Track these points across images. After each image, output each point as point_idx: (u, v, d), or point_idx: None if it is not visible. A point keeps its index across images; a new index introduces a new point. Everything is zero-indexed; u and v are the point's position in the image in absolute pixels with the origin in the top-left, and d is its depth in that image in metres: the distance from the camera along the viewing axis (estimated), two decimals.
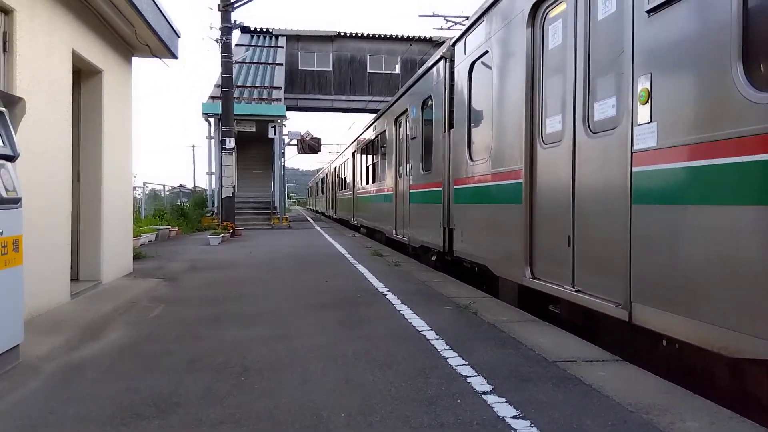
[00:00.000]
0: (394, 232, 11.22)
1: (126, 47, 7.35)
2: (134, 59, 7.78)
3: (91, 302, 5.45)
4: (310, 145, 27.56)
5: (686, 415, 2.51)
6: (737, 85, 2.66)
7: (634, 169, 3.38)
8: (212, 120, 19.31)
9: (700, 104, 2.92)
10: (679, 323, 3.04)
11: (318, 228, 19.67)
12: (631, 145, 3.41)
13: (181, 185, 26.00)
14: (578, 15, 4.15)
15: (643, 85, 3.31)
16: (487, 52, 5.93)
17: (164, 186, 19.99)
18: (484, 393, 2.79)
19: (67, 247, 5.50)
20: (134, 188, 15.24)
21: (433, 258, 8.44)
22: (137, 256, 8.90)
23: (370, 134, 15.01)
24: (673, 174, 3.09)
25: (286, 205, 31.68)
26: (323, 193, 37.52)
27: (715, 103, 2.82)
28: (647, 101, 3.27)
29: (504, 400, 2.69)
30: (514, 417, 2.49)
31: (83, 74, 6.45)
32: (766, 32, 2.68)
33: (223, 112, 15.60)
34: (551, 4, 4.58)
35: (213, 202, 19.77)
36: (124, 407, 2.68)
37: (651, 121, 3.24)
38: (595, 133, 3.96)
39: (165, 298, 5.64)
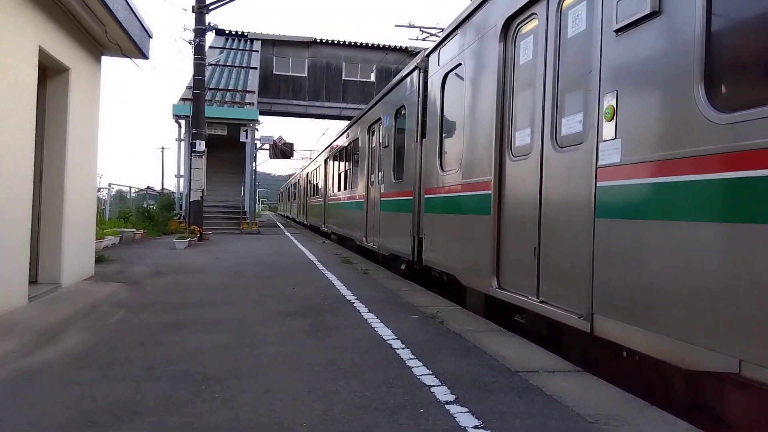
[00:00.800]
0: (364, 239, 11.21)
1: (95, 46, 7.19)
2: (104, 58, 7.63)
3: (49, 306, 5.29)
4: (282, 150, 27.41)
5: (644, 426, 2.56)
6: (699, 106, 2.74)
7: (599, 183, 3.46)
8: (182, 122, 19.04)
9: (663, 123, 3.00)
10: (639, 335, 3.11)
11: (288, 234, 19.51)
12: (596, 161, 3.48)
13: (148, 187, 25.54)
14: (549, 32, 4.24)
15: (609, 102, 3.39)
16: (460, 64, 6.01)
17: (130, 188, 19.57)
18: (447, 403, 2.80)
19: (26, 248, 5.33)
20: (99, 189, 14.89)
21: (403, 267, 8.46)
22: (100, 259, 8.68)
23: (343, 141, 15.01)
24: (636, 190, 3.17)
25: (257, 210, 31.37)
26: (295, 199, 37.28)
27: (677, 122, 2.90)
28: (613, 118, 3.35)
29: (466, 410, 2.70)
30: (476, 427, 2.50)
31: (50, 72, 6.29)
32: (727, 56, 2.78)
33: (194, 114, 15.39)
34: (523, 21, 4.67)
35: (181, 206, 19.42)
36: (78, 415, 2.60)
37: (616, 137, 3.32)
38: (562, 147, 4.03)
39: (126, 303, 5.50)
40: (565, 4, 4.06)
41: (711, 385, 2.94)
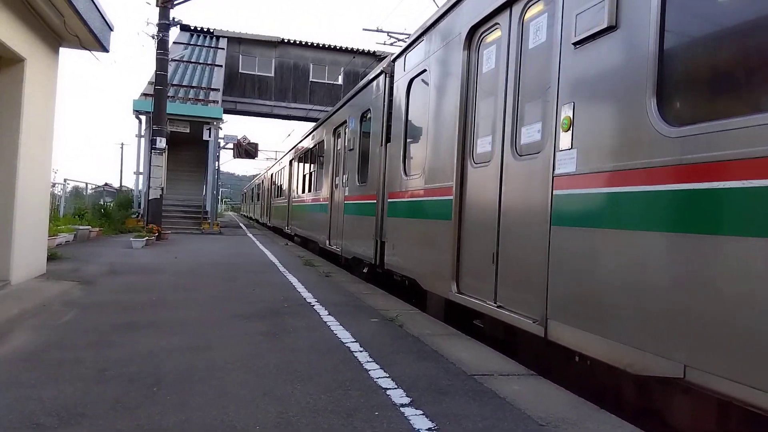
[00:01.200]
0: (327, 242, 11.17)
1: (53, 37, 6.96)
2: (63, 50, 7.39)
3: None
4: (246, 150, 27.07)
5: (592, 429, 2.64)
6: (650, 119, 2.85)
7: (555, 192, 3.55)
8: (143, 118, 18.59)
9: (617, 135, 3.10)
10: (590, 341, 3.19)
11: (250, 235, 19.26)
12: (553, 170, 3.57)
13: (106, 184, 24.81)
14: (511, 42, 4.33)
15: (566, 113, 3.49)
16: (425, 70, 6.07)
17: (87, 184, 18.97)
18: (403, 405, 2.82)
19: None
20: (54, 185, 14.41)
21: (365, 270, 8.46)
22: (52, 257, 8.38)
23: (308, 143, 14.93)
24: (589, 199, 3.27)
25: (219, 211, 30.87)
26: (258, 200, 36.84)
27: (630, 134, 3.01)
28: (569, 129, 3.45)
29: (421, 412, 2.73)
30: (429, 429, 2.53)
31: (3, 61, 6.06)
32: (679, 72, 2.89)
33: (155, 110, 15.06)
34: (487, 30, 4.75)
35: (140, 204, 18.95)
36: (23, 417, 2.51)
37: (572, 147, 3.42)
38: (521, 156, 4.12)
39: (78, 303, 5.33)
40: (527, 16, 4.15)
41: (658, 389, 3.05)
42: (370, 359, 3.68)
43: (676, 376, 2.62)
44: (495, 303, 4.31)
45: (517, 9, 4.26)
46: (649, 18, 2.89)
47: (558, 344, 3.51)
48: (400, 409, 2.78)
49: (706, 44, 2.79)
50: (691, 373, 2.55)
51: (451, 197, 5.10)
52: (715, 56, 2.75)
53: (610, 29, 3.15)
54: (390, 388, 3.08)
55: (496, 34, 4.61)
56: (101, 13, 7.15)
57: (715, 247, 2.46)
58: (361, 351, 3.88)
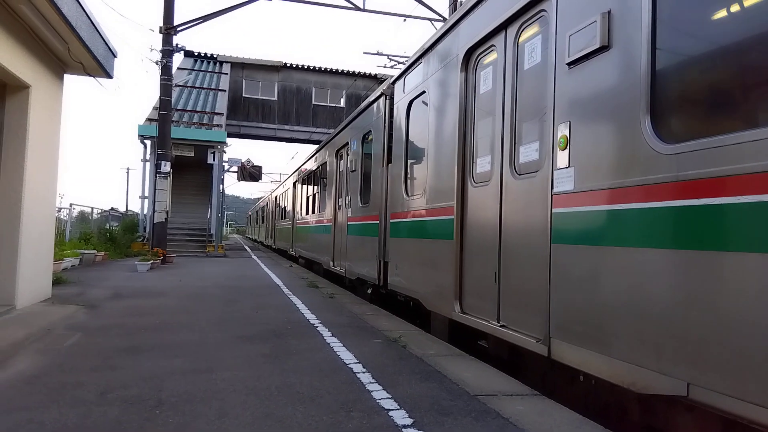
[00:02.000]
0: (331, 263, 11.17)
1: (58, 64, 7.10)
2: (67, 77, 7.53)
3: (2, 328, 5.10)
4: (250, 173, 27.24)
5: None
6: (645, 137, 2.87)
7: (554, 210, 3.57)
8: (148, 142, 18.79)
9: (613, 152, 3.13)
10: (594, 359, 3.18)
11: (255, 257, 19.28)
12: (552, 188, 3.60)
13: (112, 208, 24.94)
14: (507, 63, 4.39)
15: (562, 132, 3.53)
16: (424, 92, 6.14)
17: (92, 208, 19.09)
18: (405, 427, 2.80)
19: None
20: (60, 210, 14.52)
21: (369, 291, 8.45)
22: (58, 281, 8.43)
23: (311, 165, 15.03)
24: (588, 216, 3.28)
25: (224, 233, 30.96)
26: (263, 222, 36.94)
27: (625, 151, 3.03)
28: (566, 147, 3.48)
29: None
30: None
31: (9, 89, 6.18)
32: (672, 89, 2.93)
33: (160, 134, 15.22)
34: (483, 52, 4.83)
35: (145, 228, 19.05)
36: None
37: (569, 165, 3.45)
38: (520, 174, 4.15)
39: (82, 326, 5.35)
40: (522, 38, 4.22)
41: (661, 408, 3.03)
42: (373, 380, 3.66)
43: (680, 395, 2.61)
44: (498, 322, 4.30)
45: (511, 31, 4.33)
46: (641, 37, 2.94)
47: (562, 363, 3.49)
48: (402, 430, 2.76)
49: (697, 61, 2.83)
50: (695, 391, 2.53)
51: (452, 217, 5.12)
52: (707, 73, 2.78)
53: (602, 49, 3.20)
54: (392, 409, 3.07)
55: (492, 56, 4.68)
56: (105, 40, 7.30)
57: (715, 263, 2.46)
58: (363, 372, 3.87)
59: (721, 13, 2.71)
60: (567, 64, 3.50)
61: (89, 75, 7.76)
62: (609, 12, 3.18)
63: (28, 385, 3.39)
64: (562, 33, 3.57)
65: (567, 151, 3.46)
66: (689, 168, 2.59)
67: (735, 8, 2.62)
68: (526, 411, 3.13)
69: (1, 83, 5.67)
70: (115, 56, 7.89)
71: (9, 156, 6.15)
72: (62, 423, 2.73)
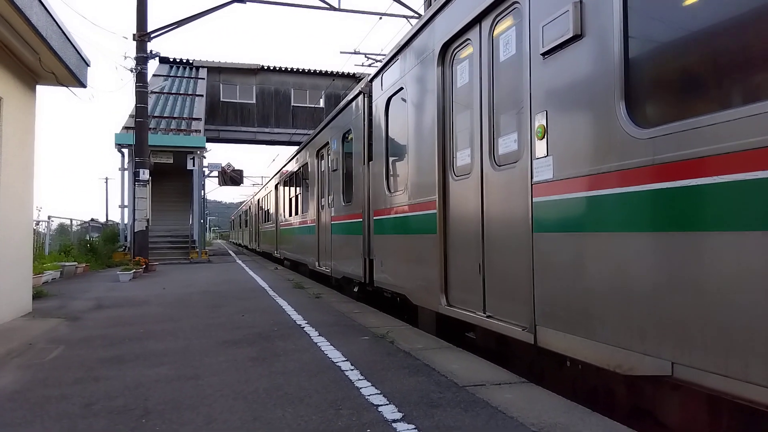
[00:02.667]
0: (317, 264, 11.14)
1: (29, 75, 6.97)
2: (40, 87, 7.39)
3: None
4: (232, 177, 27.01)
5: None
6: (620, 122, 2.90)
7: (534, 199, 3.59)
8: (126, 151, 18.54)
9: (590, 139, 3.16)
10: (579, 344, 3.21)
11: (240, 261, 19.14)
12: (531, 178, 3.62)
13: (92, 219, 24.52)
14: (483, 56, 4.41)
15: (539, 122, 3.55)
16: (402, 88, 6.14)
17: (72, 220, 18.77)
18: (394, 421, 2.80)
19: None
20: (38, 222, 14.25)
21: (356, 289, 8.44)
22: (38, 295, 8.28)
23: (293, 166, 14.96)
24: (568, 204, 3.31)
25: (208, 239, 30.69)
26: (246, 226, 36.69)
27: (602, 138, 3.06)
28: (544, 137, 3.50)
29: (413, 427, 2.71)
30: None
31: None
32: (645, 75, 2.96)
33: (137, 142, 15.03)
34: (459, 46, 4.84)
35: (126, 237, 18.80)
36: None
37: (547, 155, 3.47)
38: (500, 166, 4.17)
39: (65, 339, 5.26)
40: (496, 31, 4.24)
41: (647, 388, 3.06)
42: (361, 377, 3.65)
43: (665, 374, 2.64)
44: (484, 313, 4.32)
45: (486, 25, 4.35)
46: (613, 25, 2.96)
47: (548, 350, 3.52)
48: (392, 424, 2.76)
49: (669, 47, 2.86)
50: (679, 370, 2.56)
51: (434, 211, 5.13)
52: (679, 58, 2.82)
53: (575, 38, 3.23)
54: (381, 405, 3.07)
55: (468, 50, 4.69)
56: (77, 49, 7.18)
57: (694, 243, 2.49)
58: (352, 369, 3.86)
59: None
60: (541, 54, 3.52)
61: (62, 85, 7.63)
62: (581, 1, 3.20)
63: (10, 401, 3.32)
64: (536, 24, 3.59)
65: (545, 140, 3.49)
66: (665, 151, 2.62)
67: None
68: (515, 399, 3.15)
69: None
70: (88, 65, 7.76)
71: None
72: None
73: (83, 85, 7.79)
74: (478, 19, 4.43)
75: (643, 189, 2.77)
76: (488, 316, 4.26)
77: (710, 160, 2.41)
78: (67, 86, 7.77)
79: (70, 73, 7.09)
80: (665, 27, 2.91)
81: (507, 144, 4.09)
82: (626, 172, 2.87)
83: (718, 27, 2.56)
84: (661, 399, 3.00)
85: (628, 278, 2.85)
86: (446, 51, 5.05)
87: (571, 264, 3.27)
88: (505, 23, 4.14)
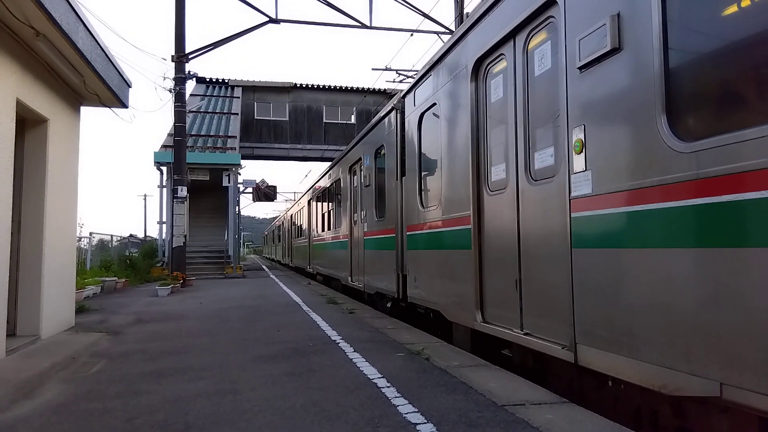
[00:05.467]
0: (349, 279, 11.17)
1: (74, 96, 7.26)
2: (83, 108, 7.68)
3: (28, 359, 5.16)
4: (265, 193, 27.42)
5: None
6: (662, 136, 2.85)
7: (573, 214, 3.53)
8: (164, 168, 19.07)
9: (630, 153, 3.10)
10: (622, 363, 3.12)
11: (273, 276, 19.35)
12: (569, 192, 3.57)
13: (131, 235, 25.22)
14: (517, 71, 4.39)
15: (577, 136, 3.50)
16: (435, 104, 6.16)
17: (112, 236, 19.34)
18: None
19: (3, 300, 5.23)
20: (80, 238, 14.73)
21: (389, 304, 8.42)
22: (81, 310, 8.53)
23: (325, 182, 15.11)
24: (608, 219, 3.24)
25: (242, 254, 31.14)
26: (279, 241, 37.13)
27: (642, 152, 3.00)
28: (582, 151, 3.46)
29: None
30: None
31: (28, 123, 6.32)
32: (687, 87, 2.90)
33: (176, 160, 15.44)
34: (492, 61, 4.84)
35: (164, 252, 19.25)
36: None
37: (586, 169, 3.42)
38: (536, 181, 4.12)
39: (107, 353, 5.39)
40: (531, 45, 4.22)
41: (693, 409, 2.96)
42: (398, 394, 3.63)
43: (713, 395, 2.54)
44: (522, 330, 4.25)
45: (520, 39, 4.34)
46: (652, 37, 2.92)
47: (589, 369, 3.43)
48: None
49: (710, 58, 2.80)
50: (728, 391, 2.47)
51: (469, 226, 5.10)
52: (721, 69, 2.75)
53: (614, 51, 3.19)
54: (419, 423, 3.03)
55: (502, 65, 4.68)
56: (119, 71, 7.45)
57: (742, 260, 2.41)
58: (388, 386, 3.84)
59: (731, 9, 2.69)
60: (578, 68, 3.49)
61: (105, 106, 7.92)
62: (618, 14, 3.17)
63: (56, 414, 3.42)
64: (572, 38, 3.56)
65: (583, 154, 3.44)
66: (709, 165, 2.56)
67: (745, 2, 2.60)
68: (556, 419, 3.08)
69: (20, 118, 5.79)
70: (129, 86, 8.04)
71: (30, 189, 6.27)
72: None
73: (125, 106, 8.06)
74: (512, 34, 4.43)
75: (687, 204, 2.70)
76: (526, 334, 4.19)
77: (757, 174, 2.34)
78: (109, 107, 8.06)
79: (112, 94, 7.36)
80: (705, 38, 2.85)
81: (543, 159, 4.05)
82: (669, 187, 2.81)
83: (759, 36, 2.49)
84: (708, 421, 2.88)
85: (673, 296, 2.77)
86: (479, 66, 5.05)
87: (613, 281, 3.20)
88: (540, 37, 4.12)
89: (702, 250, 2.61)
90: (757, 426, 2.60)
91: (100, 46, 6.61)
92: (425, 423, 3.03)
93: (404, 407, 3.34)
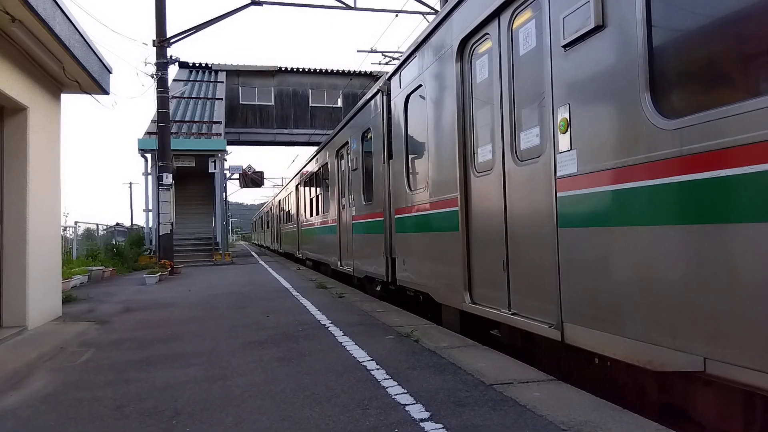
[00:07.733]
0: (338, 263, 11.18)
1: (54, 83, 7.11)
2: (64, 95, 7.54)
3: (15, 349, 5.12)
4: (252, 179, 27.28)
5: (615, 430, 2.59)
6: (646, 113, 2.85)
7: (558, 194, 3.54)
8: (149, 156, 18.83)
9: (614, 132, 3.10)
10: (608, 341, 3.16)
11: (262, 262, 19.31)
12: (555, 172, 3.57)
13: (117, 224, 25.02)
14: (502, 51, 4.36)
15: (562, 115, 3.50)
16: (420, 85, 6.12)
17: (98, 225, 19.15)
18: (422, 420, 2.79)
19: None
20: (65, 228, 14.56)
21: (378, 288, 8.44)
22: (67, 299, 8.46)
23: (312, 167, 15.03)
24: (593, 198, 3.25)
25: (230, 241, 31.04)
26: (268, 227, 37.00)
27: (627, 130, 3.00)
28: (567, 130, 3.45)
29: (441, 426, 2.70)
30: None
31: (6, 111, 6.20)
32: (670, 64, 2.90)
33: (160, 147, 15.24)
34: (477, 41, 4.80)
35: (151, 240, 19.11)
36: None
37: (571, 148, 3.42)
38: (522, 161, 4.12)
39: (95, 342, 5.36)
40: (515, 24, 4.19)
41: (678, 385, 3.00)
42: (387, 376, 3.65)
43: (697, 370, 2.58)
44: (509, 310, 4.28)
45: (504, 18, 4.30)
46: (636, 14, 2.91)
47: (576, 347, 3.47)
48: (420, 424, 2.75)
49: (694, 35, 2.80)
50: (712, 366, 2.51)
51: (456, 208, 5.10)
52: (705, 46, 2.75)
53: (597, 29, 3.17)
54: (409, 404, 3.06)
55: (486, 45, 4.65)
56: (99, 57, 7.30)
57: (725, 236, 2.43)
58: (377, 369, 3.86)
59: None
60: (563, 46, 3.47)
61: (86, 92, 7.77)
62: None
63: (45, 404, 3.40)
64: (556, 16, 3.54)
65: (568, 134, 3.44)
66: (693, 142, 2.56)
67: None
68: (543, 397, 3.12)
69: None
70: (110, 72, 7.89)
71: (11, 178, 6.17)
72: None
73: (106, 92, 7.92)
74: (496, 13, 4.39)
75: (671, 181, 2.71)
76: (513, 314, 4.22)
77: (740, 150, 2.35)
78: (90, 94, 7.91)
79: (93, 80, 7.21)
80: (689, 14, 2.84)
81: (529, 139, 4.05)
82: (653, 164, 2.82)
83: (744, 12, 2.49)
84: (693, 395, 2.93)
85: (657, 272, 2.80)
86: (465, 46, 5.01)
87: (598, 259, 3.22)
88: (524, 16, 4.09)
89: (686, 227, 2.63)
90: (740, 399, 2.65)
91: (79, 32, 6.46)
92: (414, 404, 3.06)
93: (393, 389, 3.36)
